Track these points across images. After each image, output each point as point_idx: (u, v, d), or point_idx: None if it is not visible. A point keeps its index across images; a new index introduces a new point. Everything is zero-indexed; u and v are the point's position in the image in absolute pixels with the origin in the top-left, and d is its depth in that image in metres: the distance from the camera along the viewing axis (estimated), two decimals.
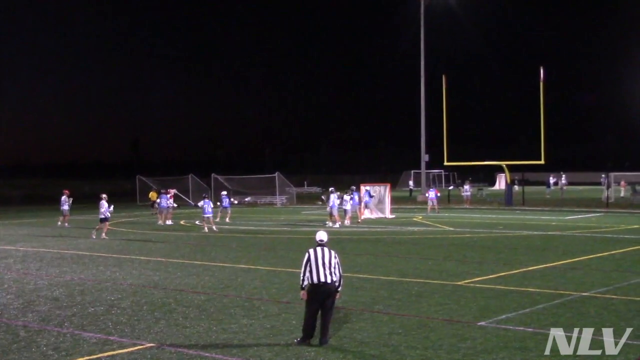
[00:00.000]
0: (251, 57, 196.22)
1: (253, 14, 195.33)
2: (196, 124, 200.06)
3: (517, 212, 42.83)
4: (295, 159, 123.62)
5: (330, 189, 35.19)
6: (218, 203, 37.37)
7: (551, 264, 19.07)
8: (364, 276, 17.18)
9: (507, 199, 48.73)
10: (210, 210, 31.57)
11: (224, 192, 38.12)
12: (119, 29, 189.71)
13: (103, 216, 29.25)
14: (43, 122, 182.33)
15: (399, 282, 16.29)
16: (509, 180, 51.25)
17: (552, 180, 66.70)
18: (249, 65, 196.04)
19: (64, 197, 35.93)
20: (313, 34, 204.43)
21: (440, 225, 32.68)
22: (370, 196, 37.57)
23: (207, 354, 10.26)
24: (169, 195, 36.62)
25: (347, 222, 33.74)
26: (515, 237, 27.07)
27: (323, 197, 42.18)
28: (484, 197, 58.09)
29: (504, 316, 12.40)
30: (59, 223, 35.58)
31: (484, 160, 58.02)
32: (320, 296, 10.58)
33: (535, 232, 28.67)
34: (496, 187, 79.01)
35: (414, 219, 37.41)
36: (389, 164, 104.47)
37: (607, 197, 47.43)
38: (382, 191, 39.82)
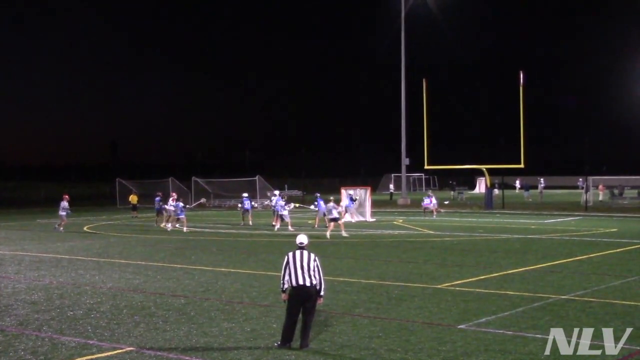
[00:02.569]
0: (231, 59, 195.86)
1: (232, 14, 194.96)
2: (175, 126, 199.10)
3: (497, 215, 43.09)
4: (275, 162, 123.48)
5: (316, 194, 36.85)
6: (239, 205, 37.42)
7: (531, 267, 19.20)
8: (345, 279, 17.20)
9: (487, 203, 49.03)
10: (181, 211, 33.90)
11: (245, 194, 38.20)
12: (95, 29, 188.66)
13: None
14: (19, 124, 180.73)
15: (379, 286, 16.33)
16: (489, 184, 51.57)
17: (517, 184, 67.11)
18: (229, 68, 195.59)
19: (63, 202, 34.74)
20: (293, 37, 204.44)
21: (420, 229, 32.79)
22: (352, 200, 37.45)
23: (187, 358, 10.23)
24: (171, 199, 35.68)
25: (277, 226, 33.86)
26: (495, 241, 27.22)
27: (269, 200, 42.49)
28: (464, 200, 58.39)
29: (484, 319, 12.47)
30: (57, 227, 34.44)
31: (464, 164, 58.34)
32: (300, 299, 10.59)
33: (515, 236, 28.85)
34: (476, 190, 79.45)
35: (395, 222, 37.51)
36: (369, 167, 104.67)
37: (586, 201, 47.85)
38: (363, 194, 39.89)
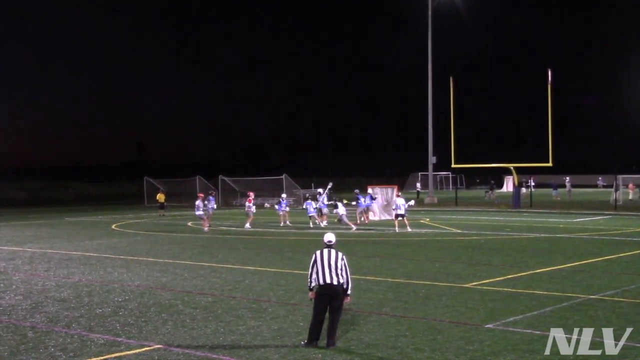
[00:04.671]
0: (257, 58, 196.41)
1: (259, 16, 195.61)
2: (201, 125, 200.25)
3: (525, 214, 42.77)
4: (300, 161, 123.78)
5: (355, 190, 37.86)
6: (276, 206, 37.13)
7: (559, 267, 19.05)
8: (372, 278, 17.20)
9: (515, 202, 48.68)
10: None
11: (283, 195, 38.06)
12: (124, 31, 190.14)
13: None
14: (48, 125, 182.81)
15: (406, 284, 16.30)
16: (516, 183, 51.21)
17: (531, 182, 66.30)
18: (255, 67, 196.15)
19: (197, 201, 33.43)
20: (320, 36, 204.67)
21: (447, 228, 32.66)
22: (372, 199, 37.69)
23: (214, 356, 10.29)
24: (249, 199, 35.20)
25: (323, 222, 34.20)
26: (523, 240, 27.04)
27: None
28: (492, 199, 58.02)
29: (511, 319, 12.40)
30: (205, 229, 32.48)
31: (492, 163, 57.98)
32: (328, 298, 10.60)
33: (543, 235, 28.62)
34: (504, 189, 78.92)
35: (421, 221, 37.40)
36: (395, 166, 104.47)
37: (616, 200, 47.32)
38: (390, 193, 39.83)
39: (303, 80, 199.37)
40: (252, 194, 36.00)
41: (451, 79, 50.48)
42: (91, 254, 23.50)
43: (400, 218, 31.34)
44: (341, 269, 10.68)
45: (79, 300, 14.83)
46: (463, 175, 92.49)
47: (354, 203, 37.48)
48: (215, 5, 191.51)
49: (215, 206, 35.48)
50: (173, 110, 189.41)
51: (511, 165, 51.23)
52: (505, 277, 17.24)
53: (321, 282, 10.63)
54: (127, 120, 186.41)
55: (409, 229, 30.99)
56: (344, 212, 33.62)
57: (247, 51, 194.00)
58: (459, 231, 30.90)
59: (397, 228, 31.04)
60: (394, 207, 32.61)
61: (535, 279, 17.01)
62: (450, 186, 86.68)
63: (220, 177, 59.53)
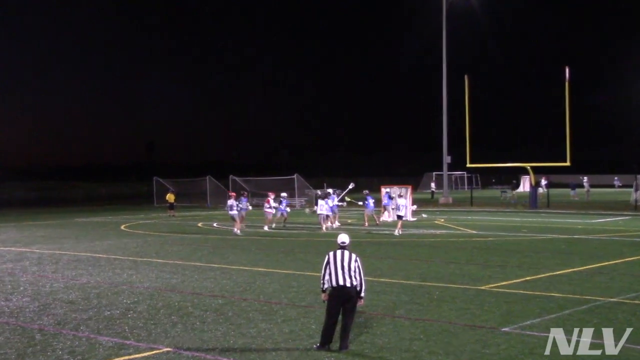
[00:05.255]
0: (267, 55, 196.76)
1: (269, 13, 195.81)
2: (210, 125, 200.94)
3: (542, 214, 42.54)
4: (311, 161, 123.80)
5: (364, 191, 36.96)
6: (275, 205, 36.65)
7: (577, 269, 18.90)
8: (385, 280, 17.13)
9: (532, 202, 48.42)
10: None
11: (284, 194, 36.60)
12: (133, 31, 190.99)
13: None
14: (58, 125, 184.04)
15: (420, 286, 16.22)
16: (533, 183, 50.93)
17: (543, 182, 65.78)
18: (264, 65, 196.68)
19: (231, 201, 31.94)
20: (332, 34, 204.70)
21: (462, 228, 32.52)
22: (390, 198, 37.34)
23: (224, 359, 10.26)
24: (270, 199, 34.10)
25: (327, 225, 32.80)
26: (540, 241, 26.88)
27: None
28: (508, 199, 57.75)
29: (528, 322, 12.30)
30: (236, 230, 31.41)
31: (508, 162, 57.70)
32: (340, 300, 10.54)
33: (561, 236, 28.44)
34: (520, 189, 78.55)
35: (436, 221, 37.27)
36: (409, 165, 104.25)
37: (636, 200, 46.96)
38: (404, 193, 39.70)
39: (314, 78, 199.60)
40: (272, 195, 35.04)
41: (466, 77, 50.28)
42: (100, 255, 23.55)
43: (401, 219, 30.45)
44: (354, 271, 10.61)
45: (87, 302, 14.84)
46: (478, 175, 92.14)
47: (360, 203, 37.23)
48: (226, 4, 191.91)
49: (249, 207, 34.08)
50: (182, 110, 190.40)
51: (528, 165, 50.93)
52: (522, 279, 17.12)
53: (334, 283, 10.57)
54: (136, 120, 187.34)
55: (378, 222, 32.58)
56: (325, 212, 32.53)
57: (258, 49, 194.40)
58: (474, 232, 30.77)
59: (397, 230, 29.86)
60: (393, 207, 31.95)
61: (553, 281, 16.88)
62: (466, 186, 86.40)
63: (231, 177, 59.59)
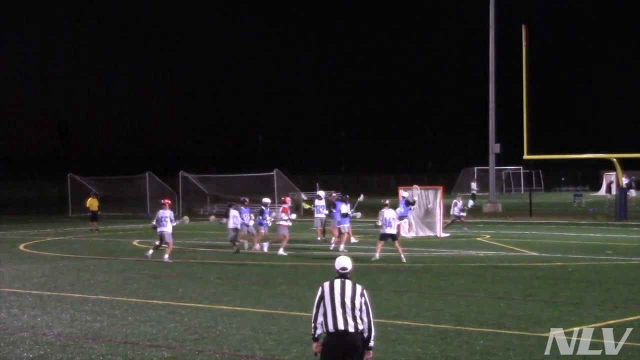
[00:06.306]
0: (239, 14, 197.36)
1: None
2: (151, 99, 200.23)
3: (635, 229, 42.69)
4: (299, 154, 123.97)
5: (333, 193, 37.94)
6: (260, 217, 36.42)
7: None
8: (405, 323, 17.20)
9: (619, 211, 48.56)
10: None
11: (266, 200, 35.83)
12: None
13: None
14: None
15: (456, 333, 16.28)
16: (621, 183, 50.94)
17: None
18: (231, 25, 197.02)
19: (163, 212, 31.00)
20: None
21: (518, 249, 32.63)
22: (408, 204, 36.69)
23: None
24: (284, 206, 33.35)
25: (256, 246, 32.96)
26: (631, 267, 27.02)
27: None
28: (583, 206, 57.96)
29: None
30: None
31: (585, 153, 57.91)
32: (341, 351, 10.55)
33: None
34: (602, 192, 78.81)
35: (479, 238, 37.38)
36: (438, 159, 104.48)
37: None
38: (431, 198, 39.77)
39: (304, 39, 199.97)
40: (288, 200, 34.45)
41: (523, 27, 50.31)
42: None
43: (390, 240, 28.95)
44: (360, 310, 10.62)
45: None
46: (540, 172, 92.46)
47: (326, 211, 36.48)
48: None
49: (268, 221, 33.93)
50: (107, 82, 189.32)
51: (614, 157, 51.00)
52: (605, 323, 17.18)
53: (331, 328, 10.58)
54: (45, 95, 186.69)
55: (354, 240, 33.43)
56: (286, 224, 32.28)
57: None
58: (534, 254, 30.87)
59: (377, 253, 29.03)
60: (379, 222, 29.90)
61: None
62: (522, 187, 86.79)
63: (181, 173, 59.55)
